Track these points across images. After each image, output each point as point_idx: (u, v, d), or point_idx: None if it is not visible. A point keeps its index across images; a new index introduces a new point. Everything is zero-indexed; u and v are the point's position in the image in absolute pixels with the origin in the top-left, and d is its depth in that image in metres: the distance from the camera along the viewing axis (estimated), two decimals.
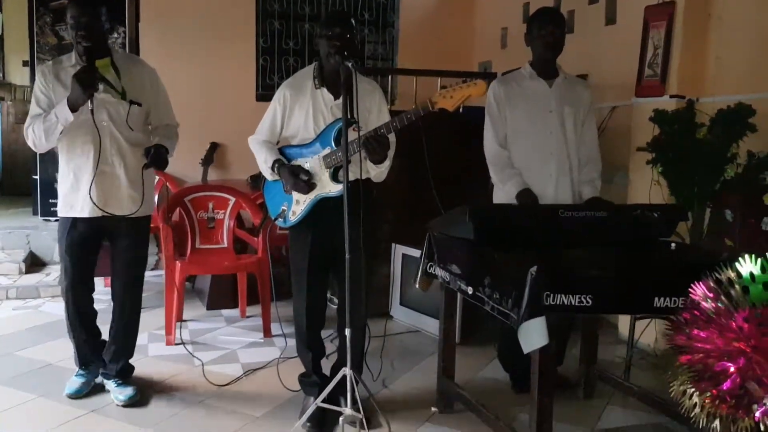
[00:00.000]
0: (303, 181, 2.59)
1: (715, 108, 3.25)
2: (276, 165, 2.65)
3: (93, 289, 2.93)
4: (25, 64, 7.02)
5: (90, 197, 2.68)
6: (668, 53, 3.60)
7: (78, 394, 2.87)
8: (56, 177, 2.86)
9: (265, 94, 5.59)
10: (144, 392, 2.92)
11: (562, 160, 2.94)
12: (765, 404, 1.51)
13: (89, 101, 2.55)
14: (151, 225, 4.73)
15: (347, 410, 2.36)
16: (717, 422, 1.50)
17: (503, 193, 2.96)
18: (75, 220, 2.75)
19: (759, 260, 1.67)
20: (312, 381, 2.81)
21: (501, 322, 2.61)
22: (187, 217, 3.91)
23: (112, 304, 2.95)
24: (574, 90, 3.01)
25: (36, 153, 2.77)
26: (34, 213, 5.51)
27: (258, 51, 5.57)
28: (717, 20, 3.48)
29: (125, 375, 2.95)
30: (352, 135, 2.45)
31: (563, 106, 2.95)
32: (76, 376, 2.96)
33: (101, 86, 2.61)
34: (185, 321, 3.98)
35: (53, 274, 4.70)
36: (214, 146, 5.40)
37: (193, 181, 5.19)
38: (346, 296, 2.38)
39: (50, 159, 4.55)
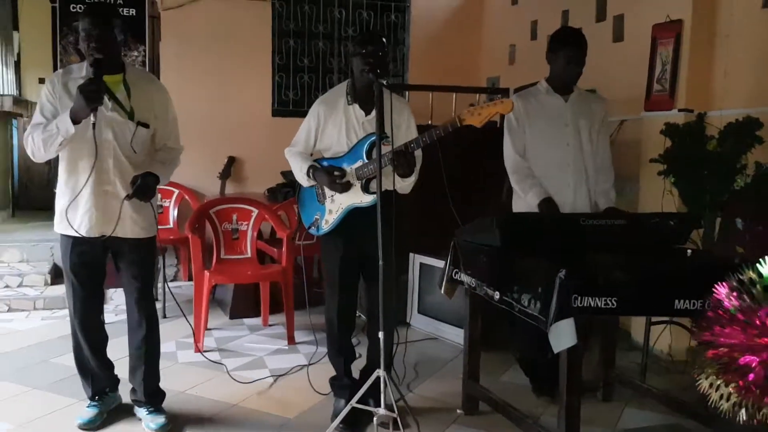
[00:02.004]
0: (338, 177, 2.71)
1: (723, 121, 3.40)
2: (311, 170, 2.78)
3: (102, 308, 2.80)
4: (41, 81, 7.19)
5: (88, 217, 2.57)
6: (676, 69, 3.75)
7: (92, 424, 2.71)
8: None
9: (280, 109, 5.75)
10: (176, 420, 2.81)
11: (579, 171, 3.08)
12: None
13: (92, 114, 2.41)
14: (172, 238, 4.96)
15: (381, 410, 2.47)
16: (743, 411, 1.63)
17: (524, 203, 3.09)
18: (75, 239, 2.61)
19: None
20: (343, 384, 2.93)
21: (522, 327, 2.72)
22: (213, 229, 4.04)
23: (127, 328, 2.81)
24: (588, 104, 3.16)
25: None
26: None
27: (274, 68, 5.73)
28: (724, 38, 3.63)
29: (156, 401, 2.82)
30: (383, 149, 2.58)
31: (578, 119, 3.10)
32: (88, 407, 2.78)
33: (110, 104, 2.53)
34: (209, 329, 4.09)
35: None
36: (231, 160, 5.54)
37: (210, 195, 5.32)
38: (379, 301, 2.50)
39: None
